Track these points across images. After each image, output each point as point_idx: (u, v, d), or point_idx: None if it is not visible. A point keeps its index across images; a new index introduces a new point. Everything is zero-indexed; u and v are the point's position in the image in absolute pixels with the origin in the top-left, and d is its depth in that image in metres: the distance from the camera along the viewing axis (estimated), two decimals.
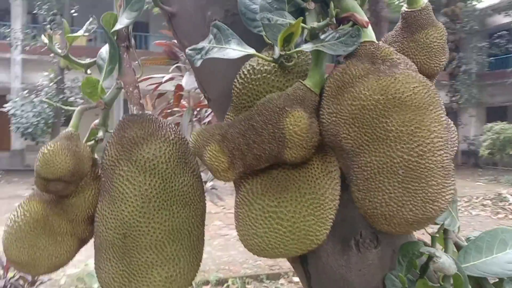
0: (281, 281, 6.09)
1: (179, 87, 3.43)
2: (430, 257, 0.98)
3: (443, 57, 1.01)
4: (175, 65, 3.59)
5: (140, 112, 1.14)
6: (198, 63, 0.90)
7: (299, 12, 0.92)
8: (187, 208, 1.10)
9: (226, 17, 1.16)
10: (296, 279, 5.38)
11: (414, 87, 0.74)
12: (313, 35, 0.84)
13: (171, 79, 3.65)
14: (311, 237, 0.94)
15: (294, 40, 0.82)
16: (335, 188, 0.94)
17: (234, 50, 0.87)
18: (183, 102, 3.70)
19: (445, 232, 1.16)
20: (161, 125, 1.13)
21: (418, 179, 0.72)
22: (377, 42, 0.83)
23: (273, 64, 0.93)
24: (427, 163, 0.72)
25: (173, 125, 1.18)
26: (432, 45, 0.98)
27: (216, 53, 0.89)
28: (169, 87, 4.26)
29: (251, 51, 0.88)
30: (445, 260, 0.91)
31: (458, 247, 1.15)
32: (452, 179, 0.76)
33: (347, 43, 0.80)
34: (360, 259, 1.14)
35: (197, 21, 1.21)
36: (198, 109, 3.81)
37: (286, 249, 0.93)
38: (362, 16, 0.83)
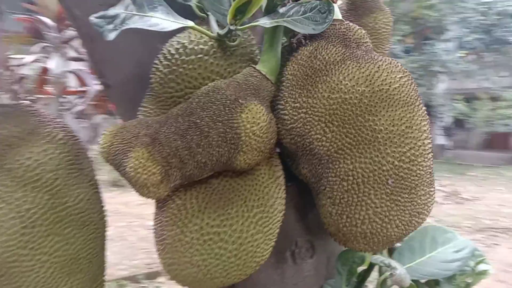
0: (160, 279, 5.79)
1: (44, 70, 2.91)
2: (381, 268, 0.88)
3: (389, 44, 0.92)
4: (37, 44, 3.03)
5: (14, 101, 0.84)
6: (111, 35, 0.65)
7: None
8: (85, 230, 0.84)
9: None
10: None
11: (400, 77, 0.61)
12: (270, 9, 0.66)
13: (34, 61, 3.08)
14: (258, 258, 0.77)
15: (252, 11, 0.62)
16: (282, 196, 0.78)
17: (165, 20, 0.65)
18: (48, 88, 3.16)
19: None
20: (44, 119, 0.84)
21: (408, 189, 0.60)
22: (345, 21, 0.68)
23: (211, 43, 0.72)
24: (418, 170, 0.60)
25: (59, 119, 0.90)
26: (381, 31, 0.88)
27: (138, 23, 0.65)
28: (28, 70, 3.64)
29: (189, 23, 0.67)
30: (401, 272, 0.82)
31: (391, 248, 1.10)
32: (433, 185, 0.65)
33: (315, 20, 0.63)
34: (296, 271, 1.01)
35: None
36: (65, 96, 3.31)
37: (228, 277, 0.75)
38: None
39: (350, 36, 0.65)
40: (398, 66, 0.63)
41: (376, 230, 0.61)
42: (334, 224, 0.64)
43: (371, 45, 0.66)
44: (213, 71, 0.72)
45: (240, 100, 0.63)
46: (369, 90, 0.59)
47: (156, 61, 0.77)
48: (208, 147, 0.62)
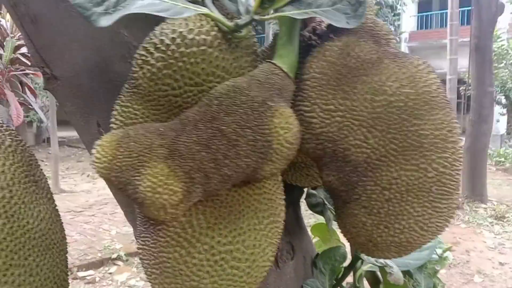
0: None
1: None
2: (375, 267, 0.87)
3: None
4: None
5: None
6: (103, 21, 0.52)
7: None
8: (50, 255, 0.71)
9: None
10: (81, 273, 4.79)
11: (435, 77, 0.58)
12: None
13: None
14: (265, 272, 0.70)
15: (285, 1, 0.54)
16: (283, 201, 0.72)
17: (174, 4, 0.53)
18: None
19: None
20: None
21: (447, 195, 0.57)
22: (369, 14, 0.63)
23: (214, 33, 0.62)
24: (456, 175, 0.58)
25: (1, 121, 0.74)
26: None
27: (140, 7, 0.52)
28: None
29: (203, 9, 0.56)
30: (396, 270, 0.81)
31: None
32: None
33: (346, 12, 0.57)
34: (278, 276, 0.96)
35: None
36: None
37: None
38: None
39: (379, 32, 0.60)
40: (428, 64, 0.59)
41: (413, 239, 0.58)
42: (365, 234, 0.60)
43: (394, 41, 0.62)
44: (218, 66, 0.62)
45: (268, 103, 0.55)
46: (414, 92, 0.55)
47: (142, 52, 0.64)
48: (236, 157, 0.53)
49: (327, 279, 0.95)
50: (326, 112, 0.57)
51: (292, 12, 0.56)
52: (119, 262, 5.11)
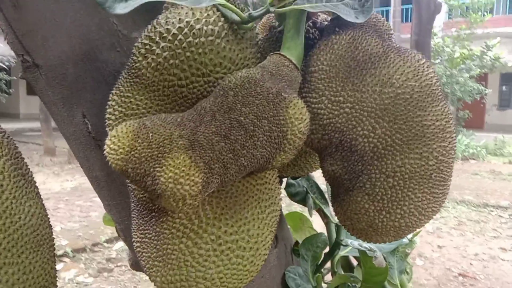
0: None
1: None
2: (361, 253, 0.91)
3: None
4: None
5: None
6: (120, 8, 0.51)
7: None
8: (41, 252, 0.69)
9: None
10: None
11: (433, 71, 0.62)
12: None
13: None
14: (264, 261, 0.72)
15: None
16: (280, 191, 0.74)
17: None
18: None
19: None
20: None
21: (444, 181, 0.62)
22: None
23: (221, 23, 0.62)
24: (451, 162, 0.62)
25: None
26: None
27: None
28: None
29: (222, 0, 0.55)
30: (379, 254, 0.86)
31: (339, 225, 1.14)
32: None
33: (354, 7, 0.59)
34: (263, 264, 0.98)
35: None
36: None
37: (239, 286, 0.68)
38: None
39: (381, 27, 0.63)
40: (427, 59, 0.63)
41: (412, 223, 0.62)
42: (367, 220, 0.63)
43: (394, 36, 0.65)
44: (226, 57, 0.62)
45: (283, 94, 0.56)
46: (418, 85, 0.58)
47: (146, 41, 0.63)
48: (253, 148, 0.54)
49: (309, 265, 0.98)
50: (334, 103, 0.59)
51: (305, 5, 0.57)
52: (66, 259, 4.92)
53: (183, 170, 0.50)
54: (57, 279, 0.73)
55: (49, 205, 6.82)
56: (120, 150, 0.50)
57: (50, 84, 0.80)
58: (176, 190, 0.50)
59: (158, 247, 0.64)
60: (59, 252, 4.91)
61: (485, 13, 12.02)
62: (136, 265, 0.99)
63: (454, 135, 0.62)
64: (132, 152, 0.50)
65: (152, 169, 0.50)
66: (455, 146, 0.63)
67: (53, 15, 0.75)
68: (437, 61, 12.01)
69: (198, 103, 0.56)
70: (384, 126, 0.58)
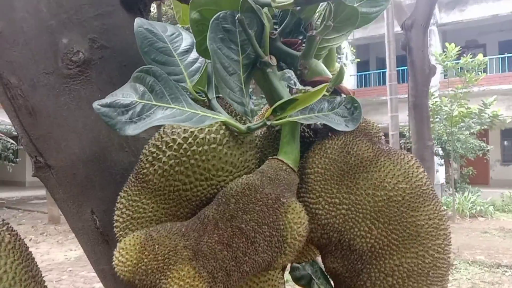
0: None
1: None
2: None
3: None
4: None
5: None
6: (129, 130, 0.56)
7: (252, 67, 0.70)
8: None
9: (92, 49, 0.80)
10: None
11: (423, 171, 0.66)
12: None
13: None
14: None
15: (297, 109, 0.60)
16: (284, 285, 0.75)
17: (196, 113, 0.57)
18: None
19: None
20: None
21: (441, 277, 0.64)
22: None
23: (222, 131, 0.67)
24: (448, 258, 0.64)
25: None
26: None
27: (163, 117, 0.56)
28: None
29: (222, 117, 0.61)
30: None
31: None
32: None
33: (344, 115, 0.64)
34: None
35: (39, 48, 0.78)
36: None
37: None
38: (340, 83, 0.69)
39: (370, 131, 0.68)
40: (416, 159, 0.67)
41: None
42: None
43: (383, 138, 0.70)
44: (227, 162, 0.67)
45: (281, 199, 0.59)
46: (409, 187, 0.62)
47: (153, 150, 0.67)
48: (254, 254, 0.57)
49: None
50: (331, 205, 0.62)
51: (299, 117, 0.62)
52: None
53: (188, 282, 0.52)
54: None
55: (52, 276, 6.69)
56: (128, 263, 0.53)
57: (61, 183, 0.84)
58: None
59: None
60: None
61: (479, 73, 12.40)
62: None
63: (449, 231, 0.65)
64: (139, 265, 0.53)
65: (158, 281, 0.52)
66: (450, 242, 0.65)
67: (65, 120, 0.81)
68: (437, 119, 12.21)
69: (201, 211, 0.60)
70: (380, 227, 0.61)
